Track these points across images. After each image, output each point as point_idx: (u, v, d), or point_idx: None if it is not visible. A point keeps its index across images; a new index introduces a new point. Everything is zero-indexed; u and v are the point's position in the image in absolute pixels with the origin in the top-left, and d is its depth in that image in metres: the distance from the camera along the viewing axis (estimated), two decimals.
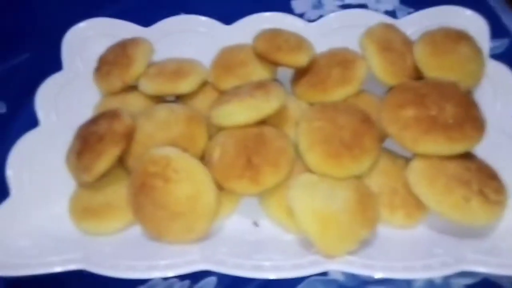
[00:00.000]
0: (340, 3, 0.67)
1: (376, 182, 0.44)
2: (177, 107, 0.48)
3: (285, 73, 0.54)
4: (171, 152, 0.42)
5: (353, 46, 0.53)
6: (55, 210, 0.45)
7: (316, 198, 0.40)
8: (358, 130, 0.44)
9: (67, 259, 0.39)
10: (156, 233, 0.41)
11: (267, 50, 0.50)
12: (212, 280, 0.42)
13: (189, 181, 0.41)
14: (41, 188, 0.46)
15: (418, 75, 0.51)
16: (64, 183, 0.46)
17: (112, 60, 0.52)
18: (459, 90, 0.45)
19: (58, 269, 0.38)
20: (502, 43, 0.60)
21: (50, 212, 0.45)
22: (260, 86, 0.46)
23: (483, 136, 0.43)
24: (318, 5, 0.67)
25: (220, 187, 0.43)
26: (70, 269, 0.39)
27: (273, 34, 0.52)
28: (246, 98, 0.44)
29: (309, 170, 0.44)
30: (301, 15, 0.66)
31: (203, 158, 0.46)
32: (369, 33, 0.52)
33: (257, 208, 0.45)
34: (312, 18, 0.65)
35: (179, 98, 0.53)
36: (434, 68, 0.48)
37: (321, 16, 0.65)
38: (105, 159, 0.42)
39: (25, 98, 0.56)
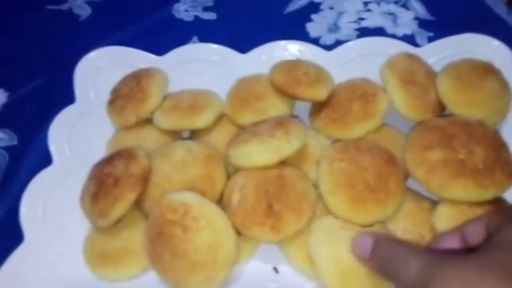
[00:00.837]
0: (357, 26, 0.65)
1: (401, 227, 0.42)
2: (194, 146, 0.46)
3: (303, 105, 0.53)
4: (189, 198, 0.40)
5: (373, 75, 0.52)
6: (70, 254, 0.44)
7: (338, 247, 0.39)
8: (383, 172, 0.42)
9: None
10: (174, 283, 0.40)
11: (286, 84, 0.49)
12: None
13: (209, 229, 0.39)
14: (55, 231, 0.45)
15: (441, 109, 0.49)
16: (79, 225, 0.45)
17: (126, 94, 0.51)
18: (488, 131, 0.43)
19: None
20: None
21: (64, 255, 0.44)
22: (280, 124, 0.44)
23: None
24: (334, 28, 0.65)
25: (238, 232, 0.42)
26: None
27: (291, 66, 0.51)
28: (266, 138, 0.43)
29: (330, 213, 0.42)
30: (316, 39, 0.64)
31: (221, 199, 0.44)
32: (391, 64, 0.50)
33: (276, 252, 0.44)
34: (328, 42, 0.64)
35: (195, 132, 0.52)
36: (460, 104, 0.46)
37: (337, 40, 0.64)
38: (122, 205, 0.41)
39: (37, 130, 0.56)
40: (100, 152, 0.50)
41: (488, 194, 0.40)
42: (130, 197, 0.41)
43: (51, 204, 0.46)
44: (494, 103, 0.47)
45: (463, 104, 0.46)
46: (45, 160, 0.50)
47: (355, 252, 0.38)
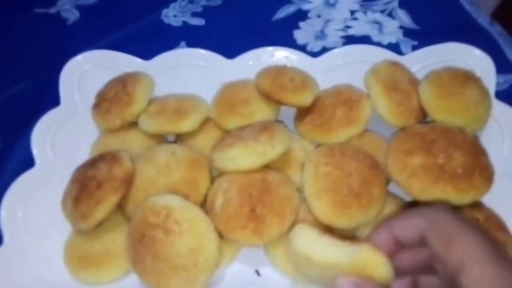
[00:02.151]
0: (343, 33, 0.66)
1: None
2: (178, 150, 0.46)
3: (288, 110, 0.53)
4: (172, 201, 0.40)
5: (358, 82, 0.53)
6: (50, 256, 0.43)
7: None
8: (367, 177, 0.43)
9: None
10: (155, 286, 0.40)
11: (271, 90, 0.49)
12: None
13: (191, 233, 0.39)
14: (36, 234, 0.44)
15: (423, 115, 0.50)
16: (60, 228, 0.45)
17: (112, 97, 0.51)
18: (468, 137, 0.44)
19: None
20: (506, 79, 0.59)
21: (45, 258, 0.43)
22: (265, 129, 0.45)
23: (491, 186, 0.42)
24: (321, 35, 0.66)
25: (221, 235, 0.42)
26: None
27: (277, 72, 0.51)
28: (251, 142, 0.43)
29: (314, 216, 0.43)
30: (303, 46, 0.65)
31: (205, 202, 0.44)
32: (375, 71, 0.51)
33: (258, 255, 0.44)
34: (315, 49, 0.64)
35: (180, 136, 0.52)
36: (441, 111, 0.47)
37: (324, 48, 0.65)
38: (104, 208, 0.41)
39: (20, 132, 0.55)
40: (84, 155, 0.50)
41: (467, 198, 0.41)
42: (112, 200, 0.41)
43: (32, 207, 0.45)
44: (474, 110, 0.48)
45: (444, 111, 0.47)
46: (28, 163, 0.49)
47: None
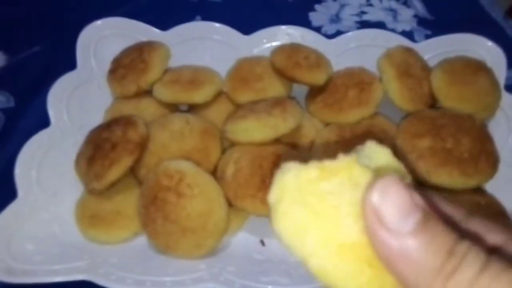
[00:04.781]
0: (358, 19, 0.67)
1: None
2: (192, 119, 0.47)
3: (300, 89, 0.54)
4: (185, 166, 0.41)
5: (370, 65, 0.53)
6: (62, 214, 0.44)
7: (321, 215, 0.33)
8: None
9: (73, 268, 0.39)
10: (164, 247, 0.41)
11: (286, 66, 0.50)
12: None
13: (202, 198, 0.40)
14: (49, 190, 0.45)
15: (433, 102, 0.51)
16: (71, 187, 0.46)
17: (128, 64, 0.51)
18: (476, 124, 0.45)
19: (63, 278, 0.38)
20: None
21: (57, 216, 0.44)
22: (278, 104, 0.45)
23: (496, 172, 0.43)
24: (336, 19, 0.67)
25: (230, 203, 0.43)
26: (75, 279, 0.38)
27: (292, 50, 0.52)
28: (264, 115, 0.44)
29: None
30: (318, 28, 0.65)
31: (215, 172, 0.45)
32: (389, 55, 0.52)
33: (264, 226, 0.45)
34: (329, 32, 0.65)
35: (193, 107, 0.52)
36: (452, 98, 0.48)
37: (338, 31, 0.65)
38: (118, 169, 0.41)
39: (34, 94, 0.56)
40: (97, 119, 0.51)
41: (472, 182, 0.42)
42: (126, 161, 0.42)
43: (45, 165, 0.46)
44: (484, 99, 0.48)
45: (455, 98, 0.48)
46: (42, 123, 0.50)
47: (371, 218, 0.18)
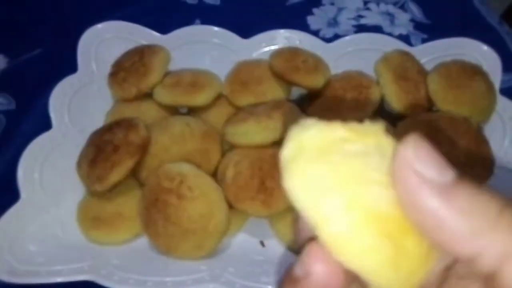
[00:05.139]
0: (356, 22, 0.68)
1: None
2: (192, 121, 0.48)
3: (298, 92, 0.55)
4: (186, 169, 0.42)
5: (368, 69, 0.54)
6: (64, 216, 0.45)
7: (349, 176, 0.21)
8: None
9: (75, 269, 0.39)
10: (165, 248, 0.42)
11: (284, 70, 0.51)
12: None
13: (203, 199, 0.41)
14: (51, 192, 0.45)
15: (430, 105, 0.51)
16: (73, 189, 0.46)
17: (129, 67, 0.52)
18: (472, 127, 0.46)
19: (66, 278, 0.38)
20: (511, 77, 0.61)
21: (59, 217, 0.44)
22: (278, 107, 0.46)
23: (492, 175, 0.44)
24: (334, 23, 0.67)
25: (230, 205, 0.43)
26: (78, 280, 0.39)
27: (291, 54, 0.53)
28: (264, 118, 0.45)
29: None
30: (316, 32, 0.66)
31: (215, 174, 0.46)
32: (386, 59, 0.52)
33: (263, 227, 0.46)
34: (327, 35, 0.66)
35: (192, 110, 0.53)
36: (448, 101, 0.49)
37: (336, 35, 0.66)
38: (120, 171, 0.42)
39: (35, 96, 0.56)
40: (98, 122, 0.51)
41: None
42: (128, 164, 0.42)
43: (47, 168, 0.46)
44: (480, 102, 0.49)
45: (451, 102, 0.49)
46: (43, 126, 0.50)
47: (422, 175, 0.16)
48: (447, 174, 0.17)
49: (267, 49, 0.57)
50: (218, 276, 0.39)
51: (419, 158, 0.17)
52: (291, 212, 0.43)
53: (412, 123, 0.47)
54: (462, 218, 0.16)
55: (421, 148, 0.17)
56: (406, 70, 0.52)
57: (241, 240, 0.45)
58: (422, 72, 0.53)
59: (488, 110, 0.50)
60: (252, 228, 0.46)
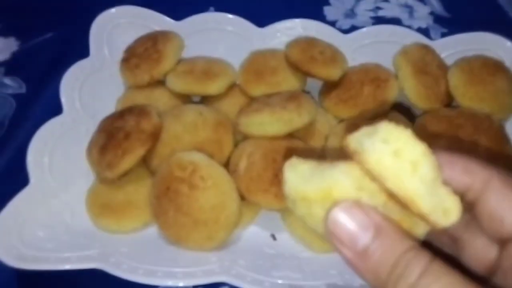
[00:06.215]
0: (373, 14, 0.66)
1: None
2: (205, 110, 0.47)
3: (314, 84, 0.53)
4: (198, 158, 0.41)
5: (385, 61, 0.53)
6: (73, 202, 0.44)
7: None
8: None
9: (84, 256, 0.39)
10: (175, 238, 0.41)
11: (301, 60, 0.49)
12: None
13: (214, 190, 0.40)
14: (60, 178, 0.45)
15: (449, 101, 0.50)
16: (83, 175, 0.45)
17: (142, 53, 0.51)
18: (494, 124, 0.44)
19: (74, 266, 0.38)
20: None
21: (68, 204, 0.44)
22: (292, 98, 0.45)
23: None
24: (351, 14, 0.66)
25: (242, 197, 0.42)
26: (86, 267, 0.38)
27: (308, 44, 0.51)
28: (278, 109, 0.43)
29: None
30: (332, 23, 0.64)
31: (227, 165, 0.45)
32: (405, 52, 0.51)
33: (275, 220, 0.45)
34: (344, 27, 0.64)
35: (205, 98, 0.52)
36: (469, 97, 0.47)
37: (353, 26, 0.64)
38: (131, 158, 0.41)
39: (46, 81, 0.56)
40: (109, 108, 0.51)
41: None
42: (139, 151, 0.42)
43: (57, 153, 0.46)
44: (502, 99, 0.48)
45: (472, 98, 0.47)
46: (53, 110, 0.50)
47: (335, 232, 0.21)
48: (361, 240, 0.20)
49: (282, 38, 0.56)
50: (229, 268, 0.38)
51: (337, 227, 0.21)
52: None
53: (431, 118, 0.46)
54: None
55: (340, 220, 0.21)
56: (426, 64, 0.50)
57: (252, 233, 0.44)
58: (443, 67, 0.51)
59: (510, 107, 0.49)
60: (263, 221, 0.45)
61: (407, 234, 0.21)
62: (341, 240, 0.20)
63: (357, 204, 0.20)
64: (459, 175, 0.23)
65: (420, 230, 0.22)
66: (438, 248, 0.25)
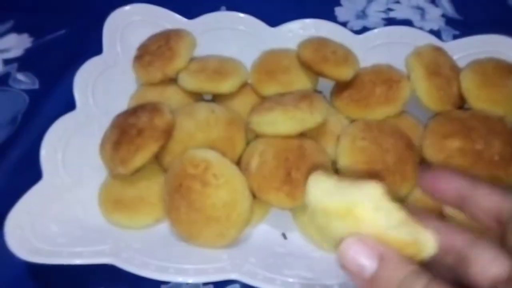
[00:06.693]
0: (385, 16, 0.66)
1: None
2: (218, 108, 0.47)
3: (325, 83, 0.54)
4: (211, 155, 0.41)
5: (397, 62, 0.53)
6: (86, 198, 0.44)
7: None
8: (402, 156, 0.43)
9: (96, 251, 0.39)
10: (187, 235, 0.41)
11: (313, 60, 0.49)
12: (236, 287, 0.42)
13: (227, 188, 0.40)
14: (73, 173, 0.45)
15: (462, 103, 0.50)
16: (96, 171, 0.46)
17: (155, 51, 0.51)
18: (507, 127, 0.44)
19: (87, 261, 0.38)
20: None
21: (81, 199, 0.44)
22: (305, 97, 0.45)
23: None
24: (362, 15, 0.66)
25: (253, 195, 0.43)
26: (98, 262, 0.38)
27: (320, 44, 0.51)
28: (290, 108, 0.43)
29: None
30: (344, 24, 0.64)
31: (239, 163, 0.45)
32: (418, 54, 0.51)
33: (286, 219, 0.45)
34: (355, 28, 0.64)
35: (217, 97, 0.52)
36: (482, 100, 0.47)
37: (364, 27, 0.64)
38: (144, 154, 0.41)
39: (59, 77, 0.56)
40: (122, 105, 0.51)
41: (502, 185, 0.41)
42: (152, 148, 0.42)
43: (70, 148, 0.46)
44: None
45: (485, 100, 0.47)
46: (66, 107, 0.50)
47: (346, 265, 0.23)
48: (366, 272, 0.23)
49: (294, 38, 0.56)
50: (240, 266, 0.39)
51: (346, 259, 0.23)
52: None
53: (443, 120, 0.46)
54: None
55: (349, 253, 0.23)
56: (439, 66, 0.50)
57: (263, 231, 0.44)
58: (455, 69, 0.51)
59: None
60: (274, 220, 0.45)
61: (409, 259, 0.23)
62: (351, 271, 0.23)
63: (361, 239, 0.23)
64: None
65: (427, 252, 0.23)
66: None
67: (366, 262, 0.23)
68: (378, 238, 0.23)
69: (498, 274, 0.22)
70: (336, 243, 0.24)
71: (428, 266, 0.23)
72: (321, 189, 0.24)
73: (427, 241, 0.23)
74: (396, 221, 0.23)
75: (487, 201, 0.25)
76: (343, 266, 0.23)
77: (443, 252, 0.24)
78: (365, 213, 0.23)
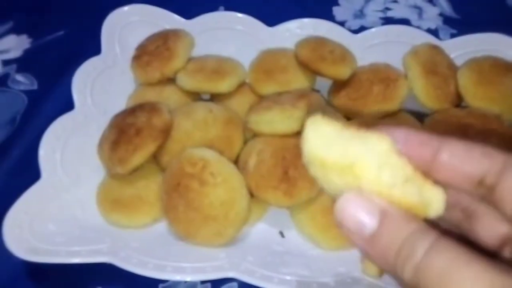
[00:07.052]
0: (383, 15, 0.66)
1: None
2: (215, 108, 0.47)
3: (322, 82, 0.54)
4: (209, 154, 0.41)
5: (395, 61, 0.53)
6: (84, 197, 0.44)
7: None
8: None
9: (94, 250, 0.39)
10: (184, 234, 0.41)
11: (311, 59, 0.49)
12: (234, 286, 0.42)
13: (225, 186, 0.40)
14: (71, 173, 0.45)
15: (459, 101, 0.50)
16: (94, 171, 0.46)
17: (153, 51, 0.51)
18: (503, 125, 0.44)
19: (85, 260, 0.38)
20: None
21: (79, 198, 0.44)
22: (302, 96, 0.45)
23: None
24: (360, 15, 0.66)
25: (251, 194, 0.43)
26: (96, 261, 0.38)
27: (318, 43, 0.51)
28: (288, 107, 0.43)
29: None
30: (341, 23, 0.64)
31: (237, 162, 0.45)
32: (415, 52, 0.51)
33: (283, 218, 0.45)
34: (353, 27, 0.64)
35: (215, 96, 0.52)
36: (479, 98, 0.47)
37: (362, 27, 0.64)
38: (141, 154, 0.42)
39: (58, 77, 0.56)
40: (120, 105, 0.51)
41: None
42: (150, 147, 0.42)
43: (69, 148, 0.46)
44: None
45: (482, 98, 0.47)
46: (64, 107, 0.50)
47: (344, 222, 0.21)
48: (367, 227, 0.20)
49: (292, 38, 0.56)
50: (238, 265, 0.39)
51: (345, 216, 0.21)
52: (313, 203, 0.42)
53: (440, 118, 0.46)
54: None
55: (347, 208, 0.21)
56: (436, 64, 0.50)
57: (261, 230, 0.44)
58: (452, 67, 0.51)
59: None
60: (271, 218, 0.45)
61: (413, 216, 0.20)
62: (350, 228, 0.21)
63: (362, 194, 0.20)
64: (478, 160, 0.22)
65: (434, 211, 0.21)
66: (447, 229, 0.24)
67: (366, 218, 0.20)
68: (380, 197, 0.20)
69: (508, 232, 0.21)
70: (333, 197, 0.21)
71: (432, 222, 0.21)
72: (320, 137, 0.21)
73: (434, 199, 0.20)
74: (402, 178, 0.20)
75: (466, 164, 0.22)
76: (341, 223, 0.21)
77: (449, 206, 0.22)
78: (368, 170, 0.19)
